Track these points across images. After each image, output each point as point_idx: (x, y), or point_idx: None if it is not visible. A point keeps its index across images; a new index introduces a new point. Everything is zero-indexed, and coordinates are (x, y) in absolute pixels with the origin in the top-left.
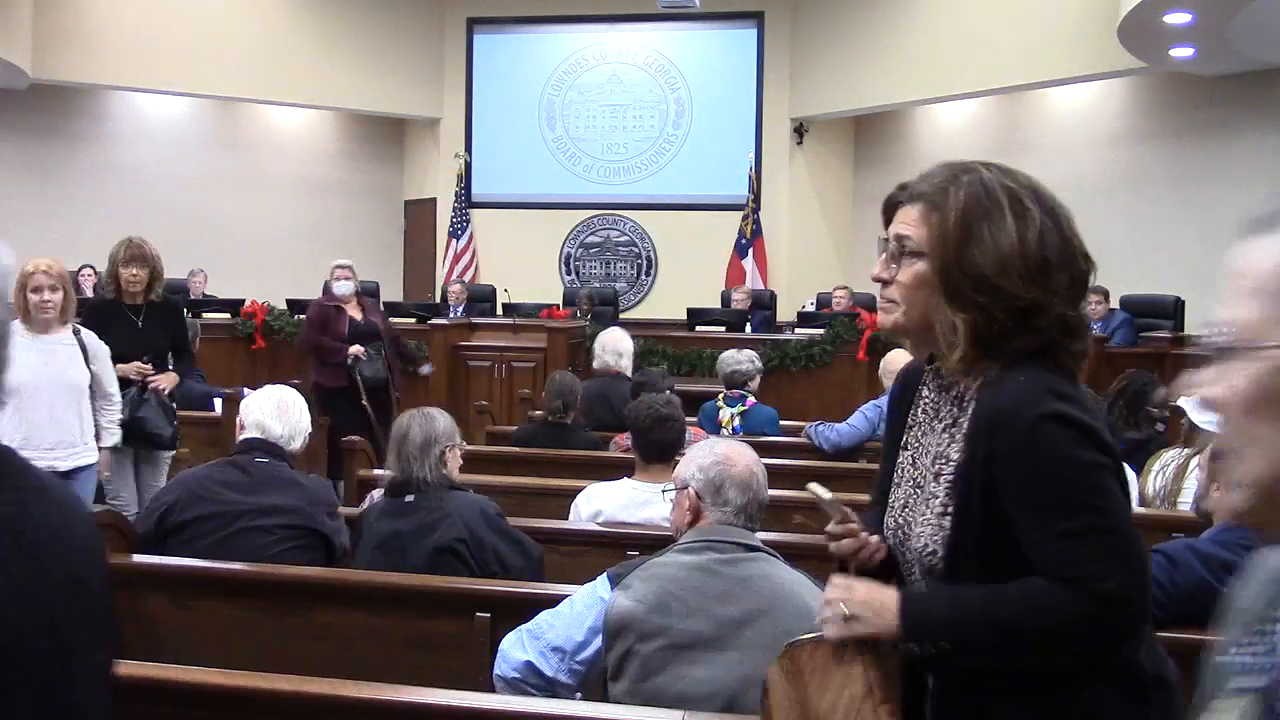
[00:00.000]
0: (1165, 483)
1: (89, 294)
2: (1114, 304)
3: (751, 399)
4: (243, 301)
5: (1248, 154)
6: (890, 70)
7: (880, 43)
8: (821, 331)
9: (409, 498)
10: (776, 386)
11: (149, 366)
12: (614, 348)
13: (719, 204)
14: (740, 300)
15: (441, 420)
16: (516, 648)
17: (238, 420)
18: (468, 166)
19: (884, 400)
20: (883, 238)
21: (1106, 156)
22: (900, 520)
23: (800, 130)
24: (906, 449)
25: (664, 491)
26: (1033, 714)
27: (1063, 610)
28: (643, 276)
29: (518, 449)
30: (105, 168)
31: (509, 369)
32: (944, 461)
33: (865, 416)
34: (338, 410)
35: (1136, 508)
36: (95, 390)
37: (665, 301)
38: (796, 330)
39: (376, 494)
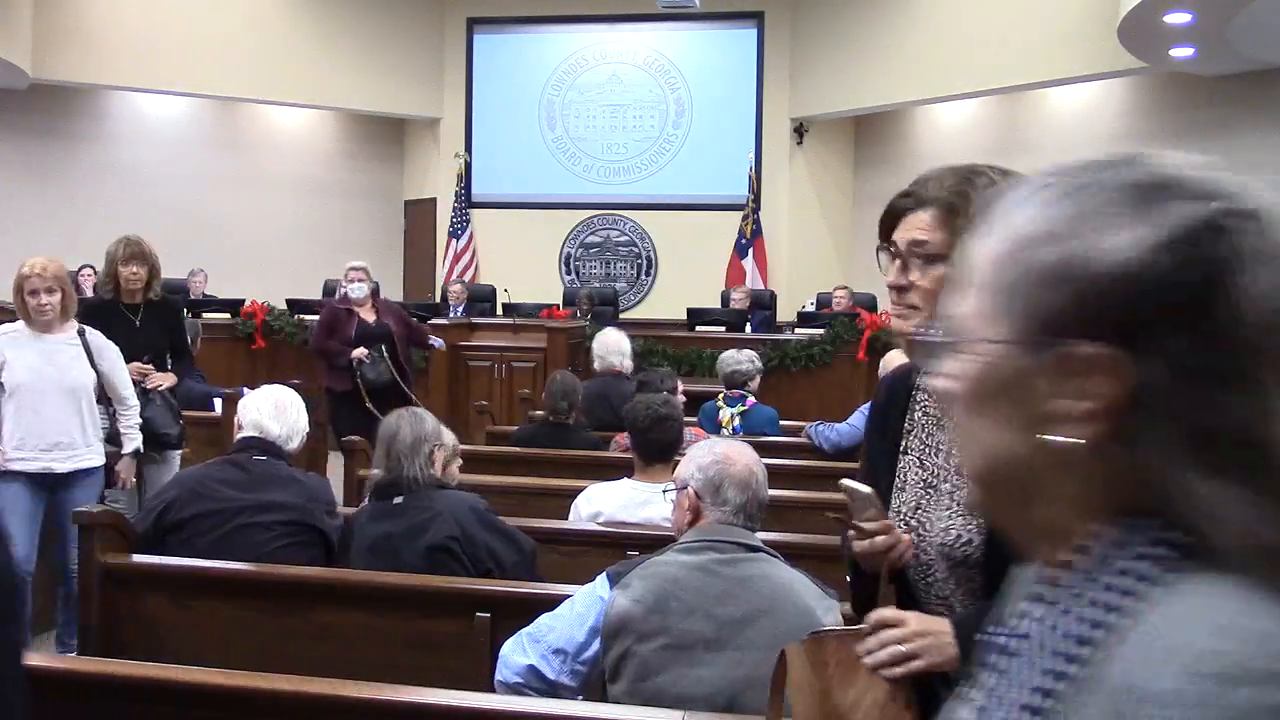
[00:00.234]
0: None
1: (89, 293)
2: None
3: (751, 399)
4: (243, 301)
5: (1248, 154)
6: (890, 70)
7: (880, 43)
8: (821, 331)
9: (397, 499)
10: (776, 386)
11: (149, 366)
12: (615, 348)
13: (719, 204)
14: (739, 300)
15: (430, 420)
16: (517, 652)
17: (236, 420)
18: (468, 166)
19: None
20: (886, 245)
21: None
22: (913, 524)
23: (800, 130)
24: (908, 453)
25: (664, 491)
26: None
27: None
28: (643, 276)
29: (518, 449)
30: (105, 168)
31: (509, 369)
32: None
33: (865, 415)
34: (343, 415)
35: None
36: (109, 394)
37: (665, 301)
38: (796, 330)
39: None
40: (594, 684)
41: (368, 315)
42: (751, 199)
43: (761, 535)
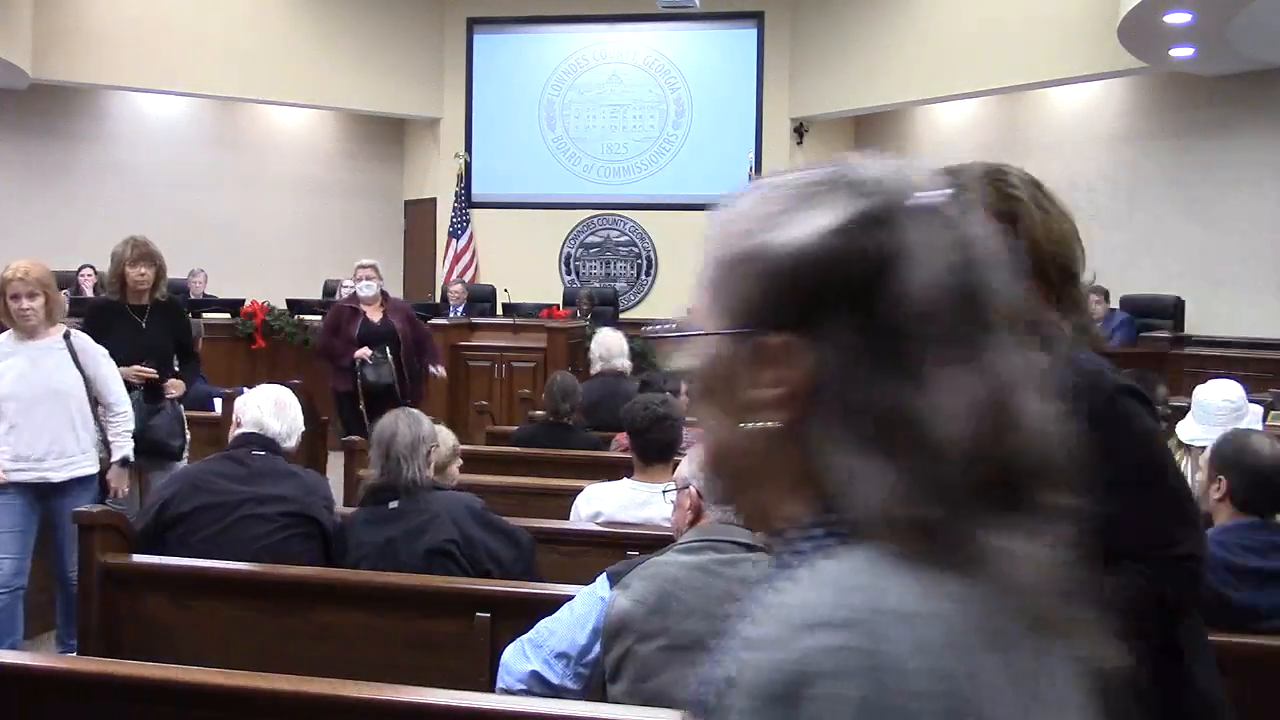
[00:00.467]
0: None
1: (89, 294)
2: (1114, 304)
3: None
4: (243, 301)
5: (1248, 154)
6: (890, 70)
7: (880, 43)
8: None
9: (394, 503)
10: None
11: (151, 371)
12: (616, 349)
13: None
14: None
15: (426, 421)
16: (519, 659)
17: (234, 417)
18: (468, 166)
19: None
20: None
21: (1106, 156)
22: None
23: (800, 130)
24: None
25: (664, 492)
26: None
27: (1153, 584)
28: (643, 276)
29: (518, 449)
30: (105, 168)
31: (509, 369)
32: None
33: None
34: (345, 415)
35: None
36: (98, 399)
37: (665, 301)
38: None
39: None
40: (596, 685)
41: (374, 314)
42: None
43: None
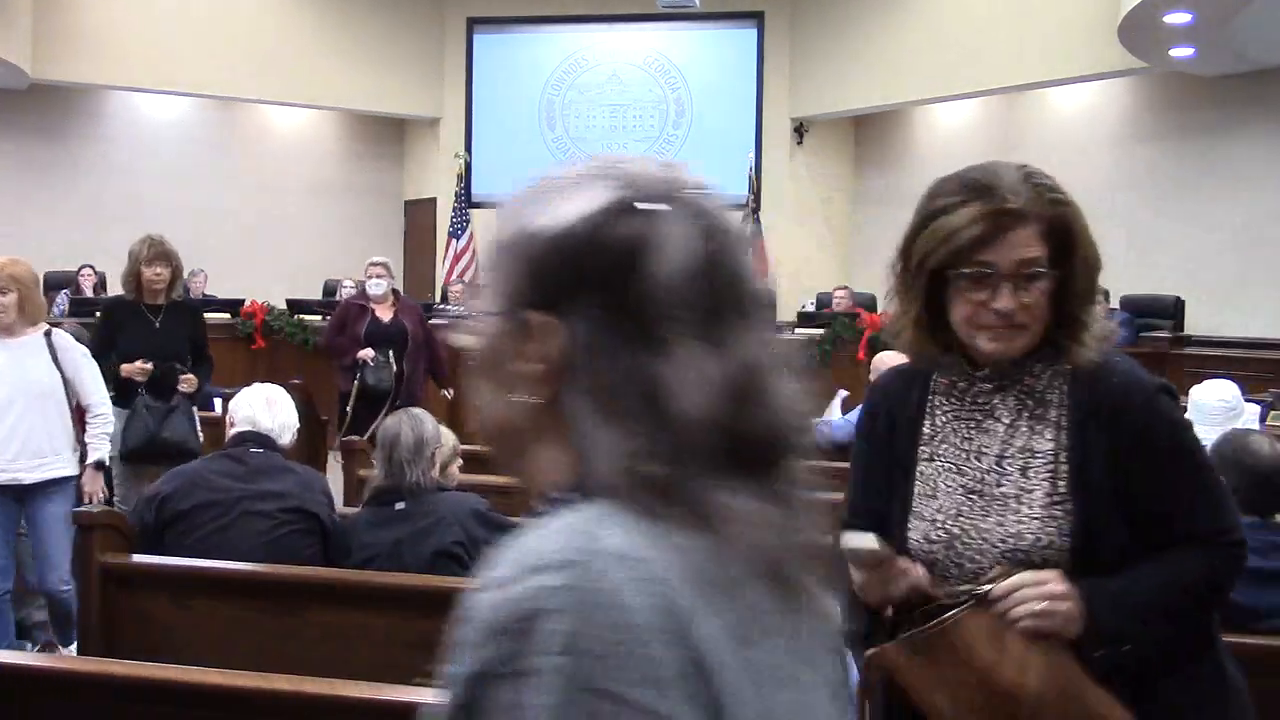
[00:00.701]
0: None
1: (89, 294)
2: (1114, 304)
3: None
4: (242, 301)
5: (1248, 154)
6: (890, 70)
7: (880, 43)
8: (821, 331)
9: (399, 505)
10: None
11: (146, 365)
12: None
13: None
14: None
15: (430, 421)
16: None
17: (228, 418)
18: (468, 166)
19: None
20: (979, 268)
21: (1106, 156)
22: (955, 530)
23: (800, 130)
24: (936, 459)
25: None
26: (1187, 684)
27: (1214, 568)
28: None
29: None
30: (105, 168)
31: None
32: (1028, 455)
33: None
34: (354, 413)
35: None
36: (77, 400)
37: None
38: (796, 330)
39: None
40: None
41: (384, 313)
42: (751, 199)
43: None
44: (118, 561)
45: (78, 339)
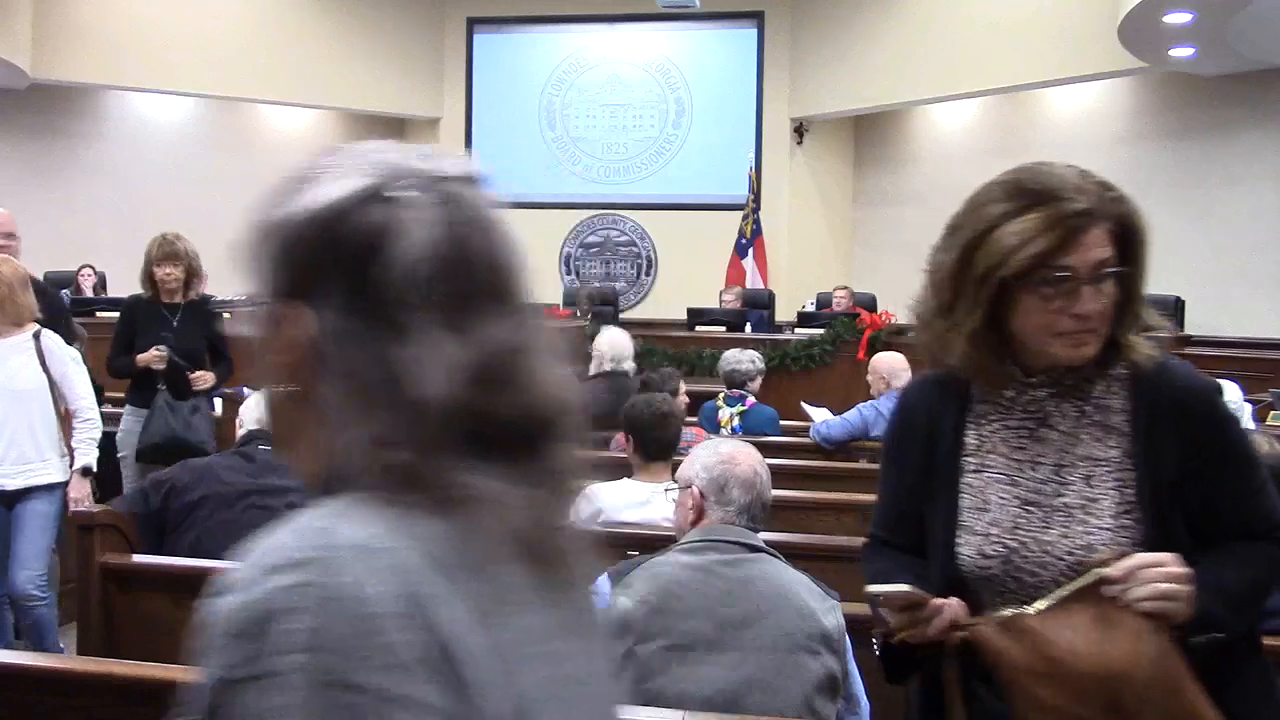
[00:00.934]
0: None
1: (89, 294)
2: None
3: (751, 399)
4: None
5: (1248, 154)
6: (890, 70)
7: (880, 43)
8: (821, 331)
9: None
10: (777, 386)
11: (163, 351)
12: (627, 350)
13: (719, 204)
14: (730, 302)
15: None
16: None
17: (237, 420)
18: None
19: (881, 403)
20: (1058, 272)
21: (1106, 157)
22: (1013, 543)
23: (800, 130)
24: (984, 470)
25: (666, 490)
26: (1259, 675)
27: (1275, 563)
28: (643, 276)
29: None
30: (105, 168)
31: None
32: (1091, 463)
33: (861, 414)
34: None
35: None
36: (65, 403)
37: (665, 301)
38: (796, 330)
39: None
40: None
41: None
42: (751, 199)
43: (762, 535)
44: (118, 561)
45: (77, 337)
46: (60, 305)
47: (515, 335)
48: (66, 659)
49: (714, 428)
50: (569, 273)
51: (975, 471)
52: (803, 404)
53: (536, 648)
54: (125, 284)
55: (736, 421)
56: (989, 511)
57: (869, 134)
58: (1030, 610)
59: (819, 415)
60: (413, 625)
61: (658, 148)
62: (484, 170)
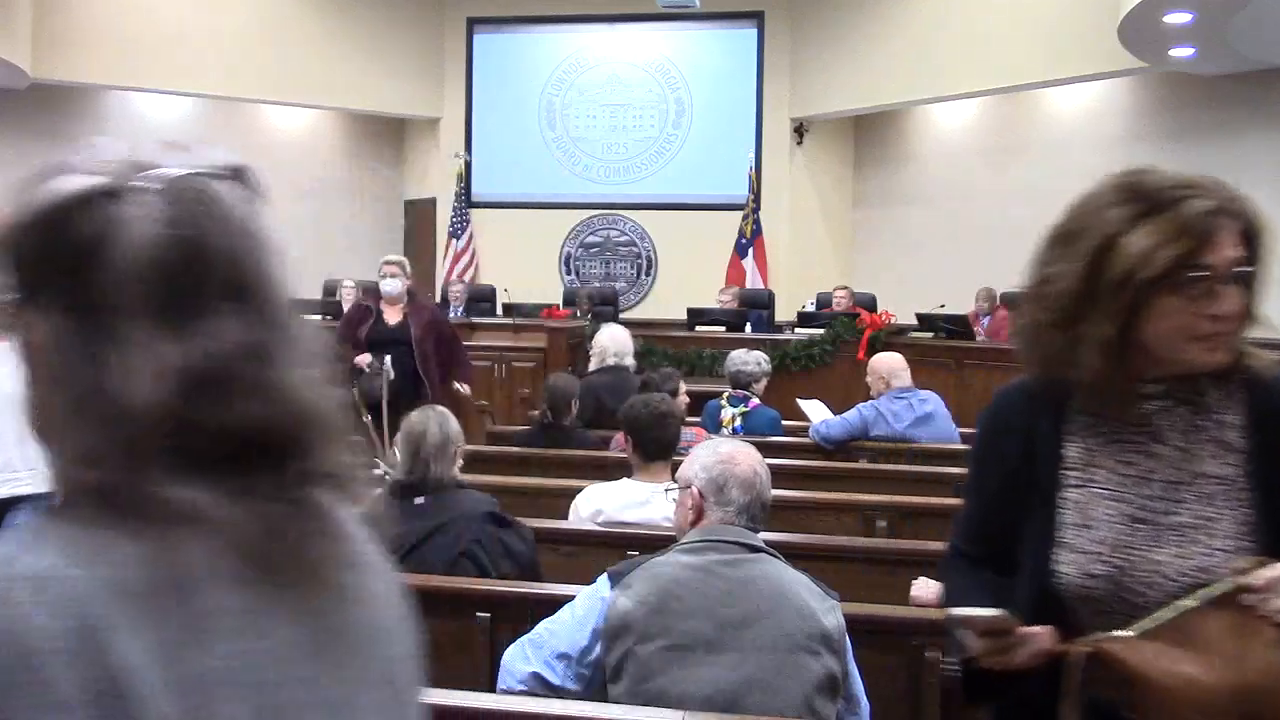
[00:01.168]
0: None
1: None
2: None
3: (755, 400)
4: None
5: (1248, 154)
6: (890, 70)
7: (880, 43)
8: (821, 331)
9: (419, 500)
10: (777, 386)
11: None
12: (627, 345)
13: (719, 204)
14: (726, 302)
15: (454, 420)
16: (520, 660)
17: None
18: (468, 166)
19: (881, 403)
20: (1198, 272)
21: (1106, 157)
22: (1121, 562)
23: (800, 130)
24: (1088, 485)
25: (665, 490)
26: None
27: None
28: (643, 276)
29: (518, 449)
30: None
31: (509, 369)
32: (1208, 480)
33: (861, 414)
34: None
35: None
36: None
37: (665, 301)
38: (796, 330)
39: None
40: (597, 686)
41: (393, 316)
42: (751, 199)
43: (762, 535)
44: None
45: None
46: None
47: (254, 337)
48: None
49: (716, 427)
50: (569, 273)
51: (1077, 486)
52: (798, 400)
53: (253, 675)
54: None
55: (739, 422)
56: (1093, 528)
57: (869, 134)
58: (1130, 633)
59: (813, 408)
60: (80, 661)
61: (658, 148)
62: (246, 163)
